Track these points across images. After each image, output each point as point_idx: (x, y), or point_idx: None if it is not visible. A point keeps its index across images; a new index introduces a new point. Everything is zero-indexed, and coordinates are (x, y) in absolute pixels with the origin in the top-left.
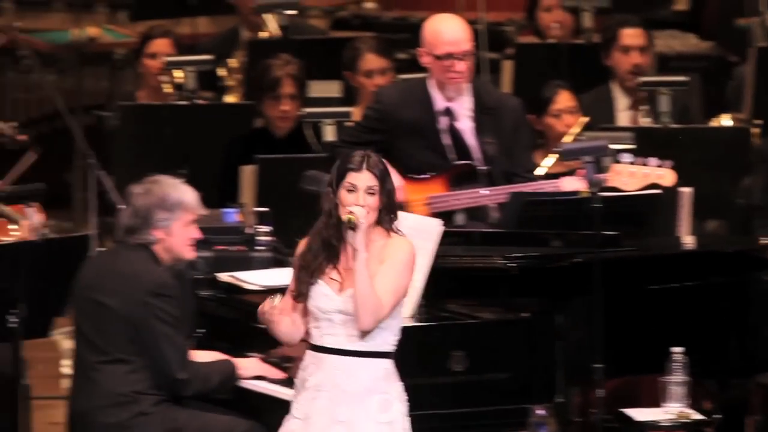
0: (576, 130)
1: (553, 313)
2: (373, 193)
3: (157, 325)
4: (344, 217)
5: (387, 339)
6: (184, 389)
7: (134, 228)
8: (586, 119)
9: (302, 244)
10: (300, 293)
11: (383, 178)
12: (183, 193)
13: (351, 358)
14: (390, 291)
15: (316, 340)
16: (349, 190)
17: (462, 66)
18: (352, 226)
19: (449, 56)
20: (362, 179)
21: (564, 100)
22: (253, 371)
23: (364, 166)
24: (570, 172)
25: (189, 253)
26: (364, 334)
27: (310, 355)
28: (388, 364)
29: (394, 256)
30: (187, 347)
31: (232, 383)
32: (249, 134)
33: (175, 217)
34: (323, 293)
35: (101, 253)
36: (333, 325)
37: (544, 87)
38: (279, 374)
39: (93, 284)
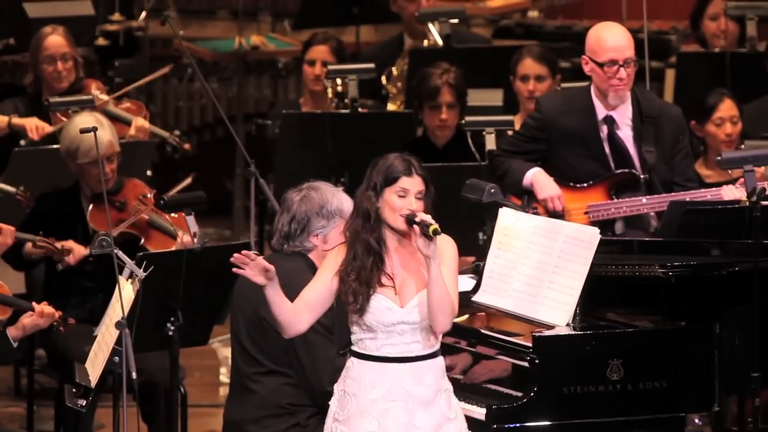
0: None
1: (711, 322)
2: (420, 198)
3: (311, 336)
4: (426, 223)
5: (439, 336)
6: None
7: (292, 234)
8: None
9: (339, 252)
10: (361, 308)
11: (428, 182)
12: (342, 200)
13: (417, 363)
14: (455, 289)
15: (373, 350)
16: (401, 195)
17: (624, 73)
18: (435, 234)
19: (612, 63)
20: (414, 184)
21: (727, 108)
22: None
23: (414, 170)
24: (731, 181)
25: None
26: (433, 336)
27: (362, 366)
28: (442, 360)
29: (445, 253)
30: (339, 359)
31: None
32: (410, 143)
33: (333, 224)
34: (386, 307)
35: None
36: (392, 336)
37: (708, 94)
38: None
39: (250, 295)
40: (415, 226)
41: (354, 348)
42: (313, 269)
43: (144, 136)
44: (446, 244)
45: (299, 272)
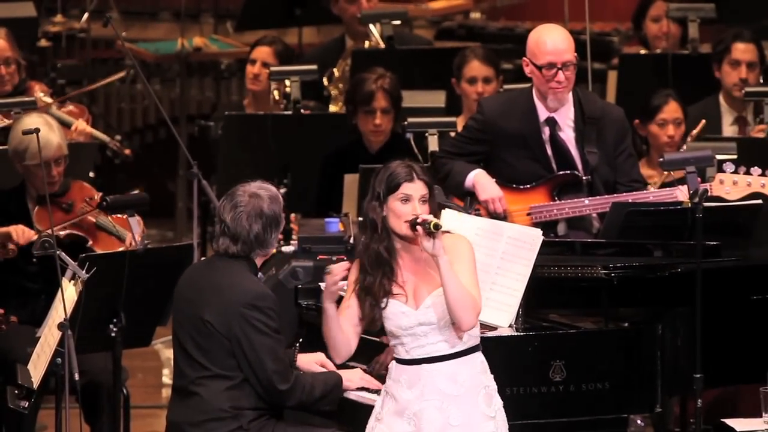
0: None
1: (654, 323)
2: (425, 202)
3: (256, 337)
4: (427, 221)
5: (473, 332)
6: (287, 400)
7: (268, 241)
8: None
9: (353, 270)
10: (373, 320)
11: (431, 186)
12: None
13: (448, 361)
14: (474, 284)
15: (403, 354)
16: (404, 201)
17: (563, 76)
18: (437, 228)
19: (551, 66)
20: (416, 189)
21: (671, 110)
22: (356, 383)
23: (416, 175)
24: (680, 182)
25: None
26: (461, 334)
27: (399, 369)
28: (481, 356)
29: (460, 251)
30: (288, 358)
31: (336, 395)
32: (343, 147)
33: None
34: (400, 311)
35: (198, 265)
36: (417, 338)
37: (654, 95)
38: (377, 385)
39: (191, 299)
40: (419, 228)
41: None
42: (253, 271)
43: (84, 140)
44: (459, 242)
45: (239, 274)
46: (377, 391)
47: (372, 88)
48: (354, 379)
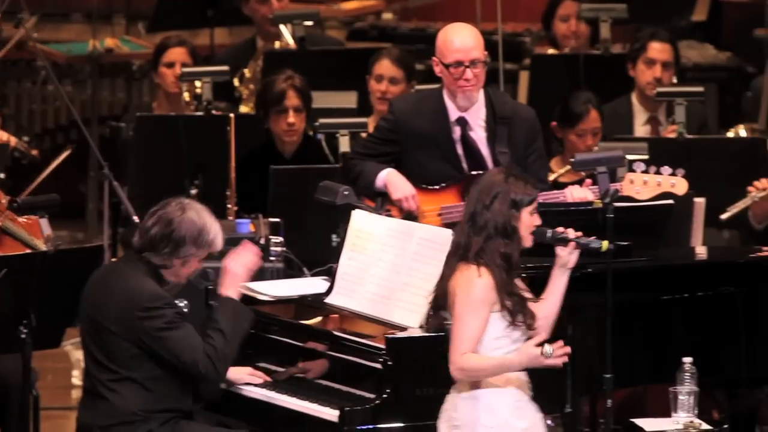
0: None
1: (564, 324)
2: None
3: (161, 335)
4: (602, 244)
5: None
6: (215, 376)
7: (158, 248)
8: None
9: (485, 284)
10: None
11: None
12: (217, 233)
13: None
14: None
15: None
16: (532, 214)
17: (471, 74)
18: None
19: (458, 64)
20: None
21: (591, 120)
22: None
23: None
24: (579, 182)
25: (185, 279)
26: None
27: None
28: None
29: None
30: (197, 339)
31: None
32: (255, 150)
33: (200, 253)
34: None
35: (102, 269)
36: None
37: (575, 100)
38: (261, 377)
39: (94, 303)
40: (572, 243)
41: None
42: (151, 275)
43: None
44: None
45: (135, 279)
46: (288, 392)
47: (283, 87)
48: (240, 377)
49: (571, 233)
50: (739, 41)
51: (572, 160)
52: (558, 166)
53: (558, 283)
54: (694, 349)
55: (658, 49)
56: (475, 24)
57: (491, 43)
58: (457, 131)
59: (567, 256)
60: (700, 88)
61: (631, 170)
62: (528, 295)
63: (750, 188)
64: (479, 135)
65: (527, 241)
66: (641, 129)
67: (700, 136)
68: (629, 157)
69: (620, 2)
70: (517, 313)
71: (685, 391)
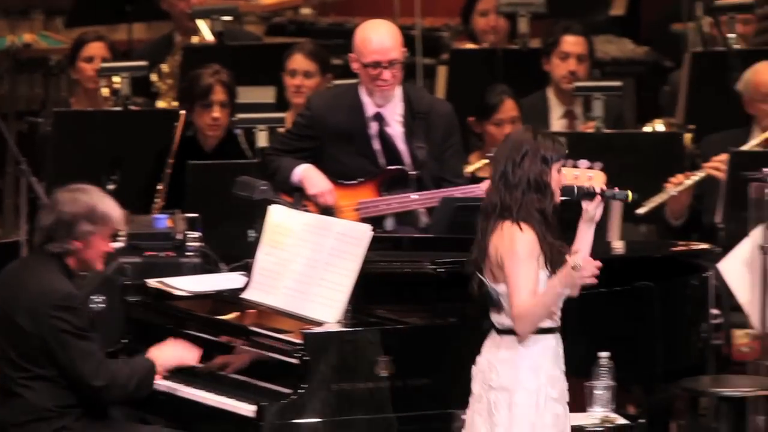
0: None
1: (481, 318)
2: None
3: (65, 338)
4: (627, 193)
5: None
6: (105, 396)
7: (54, 235)
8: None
9: (528, 239)
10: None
11: None
12: (110, 207)
13: None
14: None
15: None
16: (559, 171)
17: (388, 74)
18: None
19: (376, 65)
20: None
21: (507, 109)
22: (169, 359)
23: None
24: None
25: (100, 265)
26: None
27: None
28: None
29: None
30: (100, 354)
31: (150, 380)
32: (179, 142)
33: (98, 230)
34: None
35: (13, 265)
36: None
37: (489, 92)
38: (195, 352)
39: (6, 300)
40: (598, 196)
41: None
42: (64, 272)
43: None
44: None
45: (49, 275)
46: (205, 387)
47: (210, 82)
48: (165, 356)
49: (597, 187)
50: (656, 36)
51: (490, 154)
52: (477, 161)
53: (586, 237)
54: (611, 344)
55: (571, 42)
56: (393, 19)
57: (409, 37)
58: (373, 127)
59: (593, 210)
60: (617, 83)
61: None
62: (566, 247)
63: (667, 184)
64: (396, 130)
65: (556, 197)
66: (557, 123)
67: (618, 130)
68: None
69: None
70: (557, 264)
71: (601, 386)
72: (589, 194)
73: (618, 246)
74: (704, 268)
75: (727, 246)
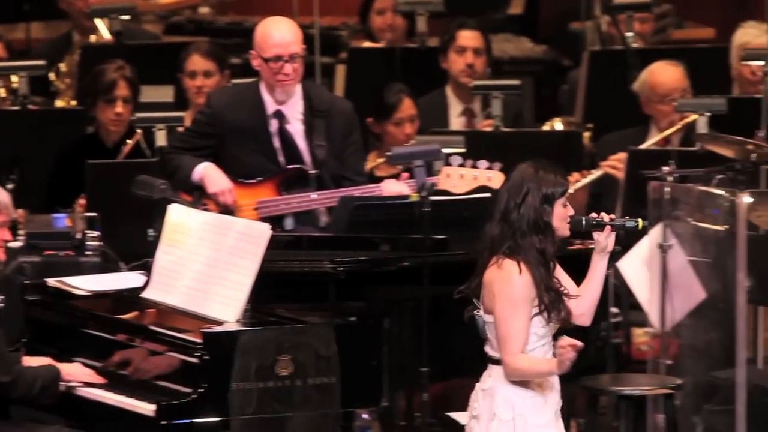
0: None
1: (380, 317)
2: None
3: None
4: (638, 221)
5: None
6: (10, 392)
7: None
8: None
9: (523, 282)
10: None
11: None
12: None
13: None
14: None
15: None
16: (565, 205)
17: (290, 68)
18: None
19: (277, 59)
20: None
21: (406, 108)
22: (78, 376)
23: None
24: (396, 176)
25: (1, 255)
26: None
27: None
28: None
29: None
30: (4, 350)
31: (55, 388)
32: (78, 140)
33: None
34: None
35: None
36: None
37: (387, 92)
38: (99, 380)
39: None
40: (607, 226)
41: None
42: None
43: None
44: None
45: None
46: (104, 387)
47: (114, 77)
48: (75, 372)
49: (605, 217)
50: (555, 34)
51: (389, 153)
52: (375, 160)
53: (598, 269)
54: None
55: (467, 36)
56: (292, 18)
57: (308, 36)
58: (274, 124)
59: (604, 241)
60: (516, 81)
61: (448, 164)
62: (566, 288)
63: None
64: (296, 128)
65: (564, 231)
66: (456, 121)
67: (516, 129)
68: (446, 150)
69: None
70: (554, 309)
71: None
72: (599, 225)
73: None
74: None
75: (626, 245)
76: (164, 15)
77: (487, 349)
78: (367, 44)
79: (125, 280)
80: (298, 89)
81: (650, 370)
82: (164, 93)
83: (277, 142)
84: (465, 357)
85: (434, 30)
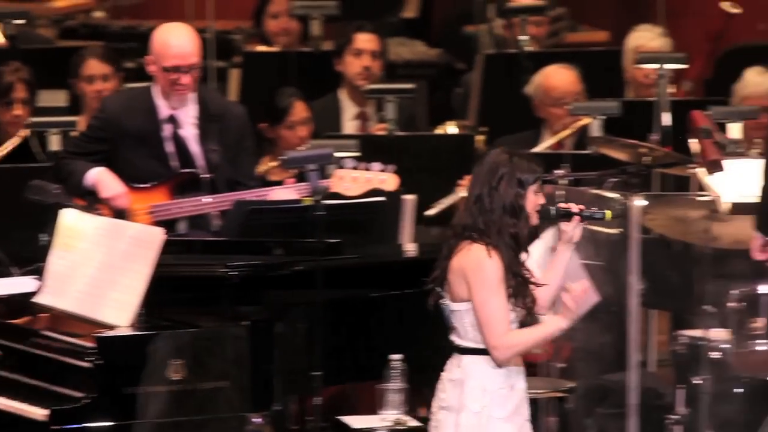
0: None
1: (273, 321)
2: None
3: None
4: (605, 213)
5: None
6: None
7: None
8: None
9: (495, 265)
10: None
11: None
12: None
13: None
14: None
15: None
16: (537, 192)
17: (188, 79)
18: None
19: (176, 69)
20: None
21: (299, 111)
22: None
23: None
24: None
25: None
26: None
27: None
28: None
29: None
30: None
31: None
32: None
33: None
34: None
35: None
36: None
37: (278, 96)
38: None
39: None
40: (576, 217)
41: None
42: None
43: None
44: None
45: None
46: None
47: (11, 79)
48: None
49: (574, 207)
50: (448, 38)
51: (282, 158)
52: (269, 164)
53: (562, 258)
54: (404, 347)
55: (364, 39)
56: (186, 22)
57: (202, 40)
58: (167, 129)
59: (572, 231)
60: (410, 85)
61: (341, 167)
62: (533, 276)
63: (459, 183)
64: (190, 133)
65: (533, 219)
66: (350, 124)
67: (410, 132)
68: (339, 154)
69: None
70: (519, 295)
71: (394, 388)
72: (567, 215)
73: (410, 248)
74: None
75: None
76: (58, 19)
77: (454, 338)
78: (261, 48)
79: (17, 284)
80: (192, 94)
81: (543, 373)
82: (58, 97)
83: (170, 147)
84: (358, 360)
85: (329, 34)
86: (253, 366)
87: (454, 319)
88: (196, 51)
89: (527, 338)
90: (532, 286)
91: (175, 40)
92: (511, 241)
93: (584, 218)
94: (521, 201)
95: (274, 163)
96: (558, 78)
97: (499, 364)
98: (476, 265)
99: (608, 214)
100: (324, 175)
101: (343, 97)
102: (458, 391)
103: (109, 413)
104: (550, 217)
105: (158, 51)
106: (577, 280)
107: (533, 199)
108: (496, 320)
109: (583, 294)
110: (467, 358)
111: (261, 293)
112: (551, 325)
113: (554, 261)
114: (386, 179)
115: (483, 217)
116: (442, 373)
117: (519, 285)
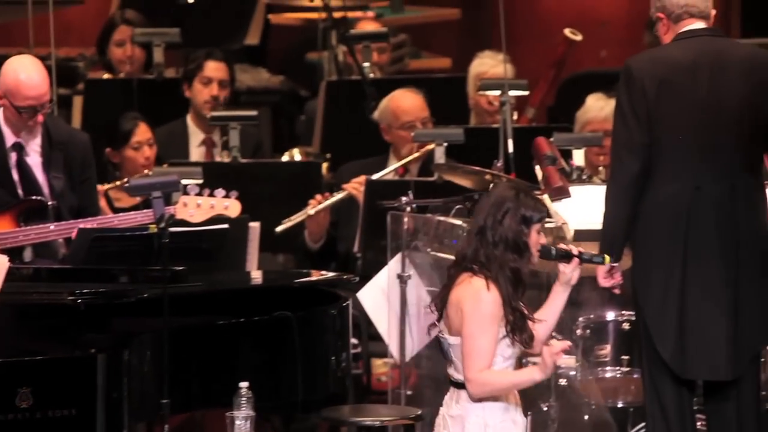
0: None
1: (120, 349)
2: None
3: None
4: (604, 257)
5: None
6: None
7: None
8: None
9: (494, 301)
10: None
11: None
12: None
13: None
14: None
15: None
16: (539, 232)
17: (41, 116)
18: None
19: (32, 109)
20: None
21: (142, 132)
22: None
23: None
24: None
25: None
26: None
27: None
28: None
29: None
30: None
31: None
32: None
33: None
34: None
35: None
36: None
37: (121, 120)
38: None
39: None
40: (575, 259)
41: None
42: None
43: None
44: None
45: None
46: None
47: None
48: None
49: (574, 249)
50: (291, 65)
51: (127, 185)
52: (116, 191)
53: (559, 300)
54: (251, 374)
55: (214, 68)
56: (28, 49)
57: (45, 68)
58: (13, 157)
59: (570, 273)
60: (253, 112)
61: (186, 193)
62: (531, 312)
63: (309, 202)
64: (35, 160)
65: (533, 259)
66: (196, 151)
67: (255, 159)
68: (184, 181)
69: (173, 27)
70: (517, 330)
71: (242, 416)
72: (567, 256)
73: (256, 275)
74: (343, 298)
75: (366, 275)
76: None
77: (451, 371)
78: (105, 76)
79: None
80: None
81: (391, 401)
82: None
83: (15, 175)
84: (206, 388)
85: (171, 61)
86: (102, 394)
87: (452, 353)
88: (47, 88)
89: (501, 381)
90: (530, 322)
91: (29, 81)
92: (512, 275)
93: (583, 260)
94: (524, 238)
95: (120, 190)
96: (407, 102)
97: (472, 398)
98: (473, 297)
99: (607, 259)
100: (169, 202)
101: (190, 123)
102: (459, 427)
103: None
104: (551, 257)
105: (10, 89)
106: (423, 309)
107: (535, 238)
108: (478, 355)
109: (563, 352)
110: (465, 393)
111: (108, 321)
112: (526, 375)
113: (551, 301)
114: (229, 205)
115: (485, 249)
116: (440, 408)
117: (517, 320)
